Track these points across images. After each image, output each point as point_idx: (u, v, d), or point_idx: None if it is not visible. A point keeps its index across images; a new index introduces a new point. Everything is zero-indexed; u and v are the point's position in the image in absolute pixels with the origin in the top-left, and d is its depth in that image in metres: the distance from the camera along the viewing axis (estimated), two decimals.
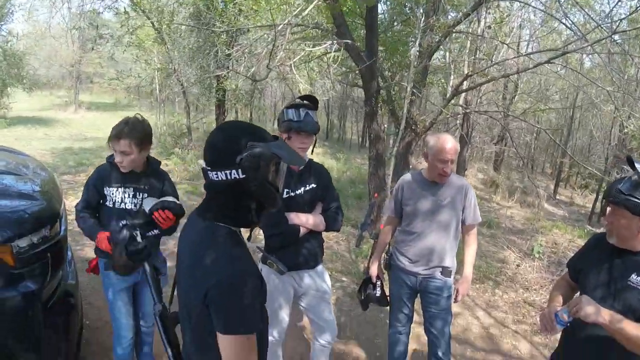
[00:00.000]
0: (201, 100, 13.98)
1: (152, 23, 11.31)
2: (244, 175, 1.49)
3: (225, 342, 1.48)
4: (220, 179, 1.50)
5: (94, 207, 2.89)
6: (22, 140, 12.58)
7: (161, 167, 3.06)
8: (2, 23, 17.46)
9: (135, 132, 2.70)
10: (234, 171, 1.48)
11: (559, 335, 2.41)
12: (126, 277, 2.71)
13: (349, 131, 24.21)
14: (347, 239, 7.02)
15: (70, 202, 6.01)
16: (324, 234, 3.08)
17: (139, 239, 2.17)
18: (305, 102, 2.72)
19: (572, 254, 2.53)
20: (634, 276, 2.01)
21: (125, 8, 10.82)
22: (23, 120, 16.15)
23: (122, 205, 2.85)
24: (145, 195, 2.86)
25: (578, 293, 2.33)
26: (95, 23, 11.72)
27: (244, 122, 1.73)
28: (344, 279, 5.62)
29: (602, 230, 2.20)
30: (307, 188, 2.87)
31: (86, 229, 2.83)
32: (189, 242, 1.64)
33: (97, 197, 2.86)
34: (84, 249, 5.28)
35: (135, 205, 2.86)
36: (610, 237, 2.09)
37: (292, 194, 2.82)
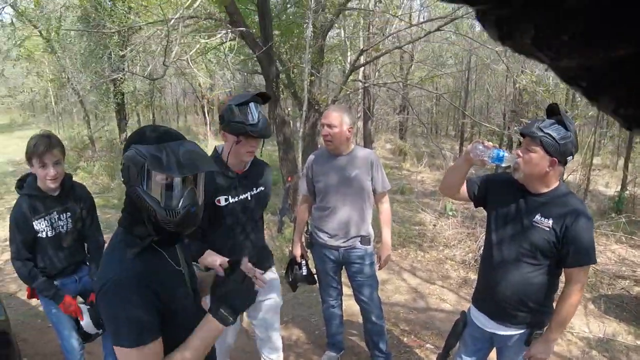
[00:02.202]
0: (100, 108, 13.32)
1: (40, 32, 10.64)
2: (122, 179, 1.45)
3: (117, 353, 1.41)
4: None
5: (31, 246, 2.79)
6: None
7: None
8: None
9: (58, 140, 2.72)
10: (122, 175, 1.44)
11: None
12: (65, 292, 2.83)
13: None
14: (269, 227, 6.99)
15: None
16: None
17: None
18: (255, 97, 2.40)
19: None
20: (537, 217, 2.19)
21: (12, 19, 10.10)
22: None
23: (54, 232, 2.82)
24: (69, 214, 2.87)
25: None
26: None
27: (149, 125, 1.57)
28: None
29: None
30: (255, 192, 2.60)
31: (41, 288, 2.78)
32: None
33: (32, 234, 2.76)
34: (4, 284, 4.91)
35: (63, 228, 2.86)
36: (516, 173, 2.21)
37: (233, 199, 2.50)
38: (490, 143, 2.21)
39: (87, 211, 3.01)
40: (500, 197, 2.38)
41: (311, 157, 3.34)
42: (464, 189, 2.48)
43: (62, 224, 2.85)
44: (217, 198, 2.44)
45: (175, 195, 1.41)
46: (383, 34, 8.58)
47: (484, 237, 5.81)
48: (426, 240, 6.49)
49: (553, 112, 2.16)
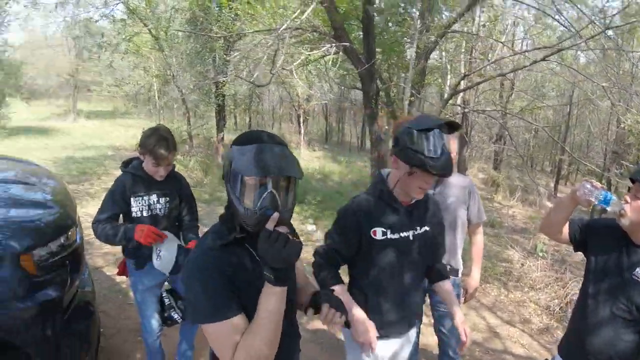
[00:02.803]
0: (200, 107, 13.95)
1: (149, 30, 11.36)
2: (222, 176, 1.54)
3: (203, 329, 1.48)
4: None
5: (116, 219, 2.90)
6: (24, 150, 12.56)
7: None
8: None
9: (174, 143, 2.83)
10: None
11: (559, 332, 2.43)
12: (155, 275, 2.90)
13: (347, 134, 24.18)
14: None
15: (79, 210, 6.04)
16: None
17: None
18: (442, 124, 1.94)
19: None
20: (638, 270, 2.03)
21: (127, 15, 10.90)
22: (23, 130, 15.91)
23: (150, 213, 2.91)
24: (168, 199, 2.96)
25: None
26: (92, 32, 11.70)
27: (257, 130, 1.64)
28: None
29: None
30: (419, 231, 2.23)
31: (114, 232, 2.75)
32: None
33: (123, 209, 2.87)
34: (92, 258, 5.20)
35: (160, 210, 2.94)
36: (621, 219, 2.05)
37: (392, 235, 2.15)
38: (599, 184, 2.07)
39: (186, 201, 3.11)
40: (601, 243, 2.23)
41: None
42: (565, 230, 2.33)
43: (159, 207, 2.93)
44: (374, 229, 2.14)
45: (255, 195, 1.42)
46: (486, 59, 8.37)
47: (572, 284, 5.45)
48: (511, 279, 6.21)
49: None
